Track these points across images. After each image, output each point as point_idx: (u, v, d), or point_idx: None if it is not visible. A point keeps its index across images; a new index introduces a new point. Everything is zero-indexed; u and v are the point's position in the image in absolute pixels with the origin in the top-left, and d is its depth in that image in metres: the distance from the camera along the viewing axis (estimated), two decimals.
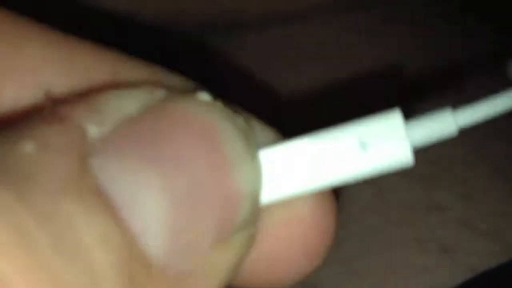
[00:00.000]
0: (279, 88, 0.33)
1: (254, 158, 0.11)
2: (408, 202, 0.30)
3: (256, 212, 0.11)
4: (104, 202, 0.10)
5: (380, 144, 0.11)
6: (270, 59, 0.34)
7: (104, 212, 0.10)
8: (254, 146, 0.11)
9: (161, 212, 0.10)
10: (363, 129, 0.11)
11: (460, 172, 0.31)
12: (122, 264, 0.09)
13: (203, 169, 0.10)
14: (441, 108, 0.11)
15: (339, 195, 0.30)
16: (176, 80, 0.13)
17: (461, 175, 0.31)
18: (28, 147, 0.09)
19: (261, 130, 0.13)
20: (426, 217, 0.30)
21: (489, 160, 0.31)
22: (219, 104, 0.11)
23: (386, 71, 0.33)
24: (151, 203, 0.10)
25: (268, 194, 0.11)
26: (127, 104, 0.11)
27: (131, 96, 0.11)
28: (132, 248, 0.10)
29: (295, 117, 0.32)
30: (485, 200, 0.30)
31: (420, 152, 0.11)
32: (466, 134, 0.12)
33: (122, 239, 0.10)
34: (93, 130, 0.10)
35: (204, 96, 0.11)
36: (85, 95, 0.11)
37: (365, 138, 0.11)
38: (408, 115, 0.11)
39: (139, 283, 0.10)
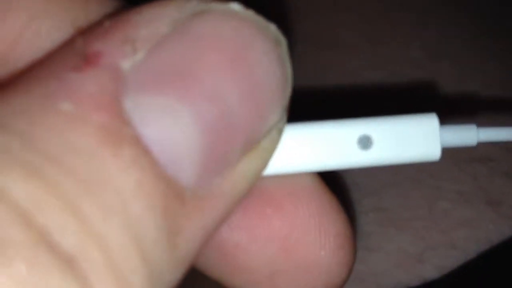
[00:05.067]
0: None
1: (286, 69, 0.11)
2: (452, 153, 0.29)
3: (285, 109, 0.12)
4: (138, 150, 0.10)
5: (415, 138, 0.13)
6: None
7: (139, 162, 0.10)
8: (286, 56, 0.11)
9: (192, 143, 0.10)
10: (403, 123, 0.13)
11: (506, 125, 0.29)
12: (158, 204, 0.10)
13: (235, 96, 0.11)
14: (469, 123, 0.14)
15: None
16: None
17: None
18: (65, 105, 0.10)
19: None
20: (470, 169, 0.29)
21: None
22: (251, 15, 0.11)
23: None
24: (181, 136, 0.10)
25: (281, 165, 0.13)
26: (157, 26, 0.10)
27: (161, 15, 0.11)
28: (166, 184, 0.10)
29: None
30: None
31: None
32: None
33: (156, 179, 0.10)
34: (126, 65, 0.10)
35: (235, 6, 0.11)
36: (112, 24, 0.11)
37: (403, 131, 0.13)
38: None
39: (175, 213, 0.10)
